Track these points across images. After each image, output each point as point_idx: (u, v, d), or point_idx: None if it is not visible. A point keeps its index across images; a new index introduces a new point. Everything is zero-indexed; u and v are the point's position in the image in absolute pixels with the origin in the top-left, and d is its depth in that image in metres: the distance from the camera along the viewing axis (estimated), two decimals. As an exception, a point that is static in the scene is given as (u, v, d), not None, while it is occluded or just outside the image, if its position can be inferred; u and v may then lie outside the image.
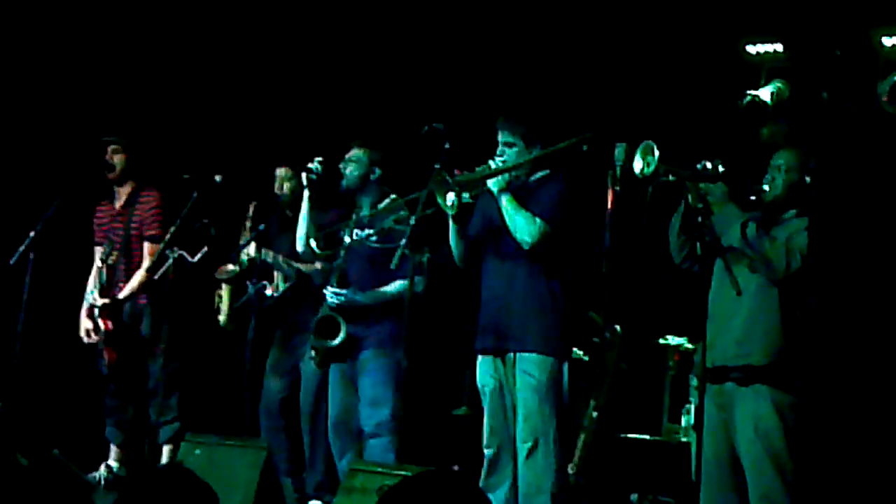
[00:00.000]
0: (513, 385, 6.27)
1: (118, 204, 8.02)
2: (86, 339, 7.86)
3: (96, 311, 7.75)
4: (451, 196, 6.12)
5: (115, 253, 7.71)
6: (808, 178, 5.83)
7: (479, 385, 6.44)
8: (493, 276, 6.41)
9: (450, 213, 6.16)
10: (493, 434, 6.37)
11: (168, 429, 7.68)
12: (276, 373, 7.73)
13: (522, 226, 6.23)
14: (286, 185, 7.77)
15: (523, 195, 6.33)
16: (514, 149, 6.41)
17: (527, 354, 6.24)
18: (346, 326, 6.92)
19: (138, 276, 7.76)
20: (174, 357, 7.58)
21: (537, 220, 6.23)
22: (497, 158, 6.36)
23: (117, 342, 7.72)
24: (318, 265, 7.39)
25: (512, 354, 6.27)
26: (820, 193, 5.72)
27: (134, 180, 7.99)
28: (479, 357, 6.42)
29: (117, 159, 7.96)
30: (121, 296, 7.75)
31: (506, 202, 6.25)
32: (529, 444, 6.19)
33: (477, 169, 6.33)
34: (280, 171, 7.82)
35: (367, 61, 9.32)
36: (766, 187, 5.84)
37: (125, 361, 7.74)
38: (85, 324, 7.87)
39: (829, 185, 5.69)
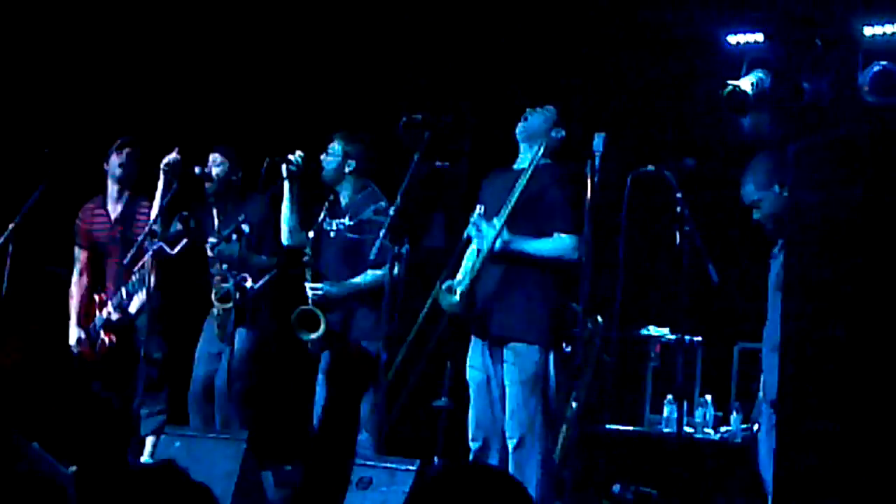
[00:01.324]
0: (501, 376, 6.29)
1: (114, 213, 7.96)
2: (76, 349, 7.84)
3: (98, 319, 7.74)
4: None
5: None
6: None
7: (467, 378, 6.47)
8: (486, 264, 6.41)
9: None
10: (478, 427, 6.43)
11: (153, 420, 7.64)
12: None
13: (556, 251, 6.29)
14: (215, 171, 7.69)
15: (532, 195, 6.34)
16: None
17: (515, 344, 6.28)
18: (326, 319, 6.93)
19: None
20: (163, 349, 7.56)
21: (562, 237, 6.32)
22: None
23: (117, 329, 7.71)
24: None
25: (499, 344, 6.30)
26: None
27: (133, 186, 7.95)
28: (470, 345, 6.47)
29: (135, 162, 7.92)
30: (132, 309, 7.70)
31: (523, 245, 6.28)
32: (515, 441, 6.25)
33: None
34: (213, 155, 7.74)
35: (348, 52, 9.30)
36: None
37: (119, 350, 7.72)
38: (74, 333, 7.86)
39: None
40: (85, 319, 7.90)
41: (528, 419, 6.25)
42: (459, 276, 6.49)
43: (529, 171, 6.37)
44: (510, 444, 6.28)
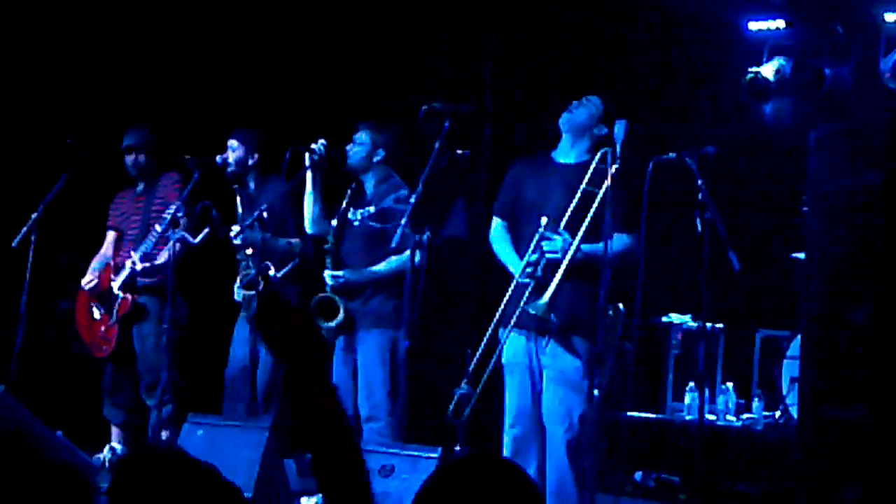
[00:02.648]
0: (546, 364, 6.31)
1: (139, 188, 8.04)
2: (87, 286, 7.86)
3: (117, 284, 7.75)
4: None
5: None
6: None
7: (504, 362, 6.46)
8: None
9: None
10: (520, 414, 6.42)
11: (163, 410, 7.66)
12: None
13: (624, 252, 6.32)
14: (232, 156, 7.71)
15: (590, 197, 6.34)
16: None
17: (571, 336, 6.32)
18: (344, 306, 6.95)
19: (164, 257, 7.68)
20: (175, 339, 7.55)
21: (624, 238, 6.32)
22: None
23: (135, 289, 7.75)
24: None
25: (542, 333, 6.33)
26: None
27: (156, 168, 8.00)
28: (510, 335, 6.39)
29: (142, 160, 7.95)
30: (159, 260, 7.69)
31: (597, 252, 6.22)
32: (566, 426, 6.27)
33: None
34: (230, 141, 7.77)
35: (368, 40, 9.32)
36: None
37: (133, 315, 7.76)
38: (90, 275, 7.90)
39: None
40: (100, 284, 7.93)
41: (578, 407, 6.28)
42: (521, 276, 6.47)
43: (588, 183, 6.37)
44: (558, 431, 6.28)
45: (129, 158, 7.98)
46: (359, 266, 7.08)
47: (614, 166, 6.02)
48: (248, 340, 7.47)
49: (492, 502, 2.78)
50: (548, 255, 6.29)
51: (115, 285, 7.76)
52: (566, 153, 6.56)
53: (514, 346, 6.43)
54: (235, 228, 7.40)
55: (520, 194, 6.60)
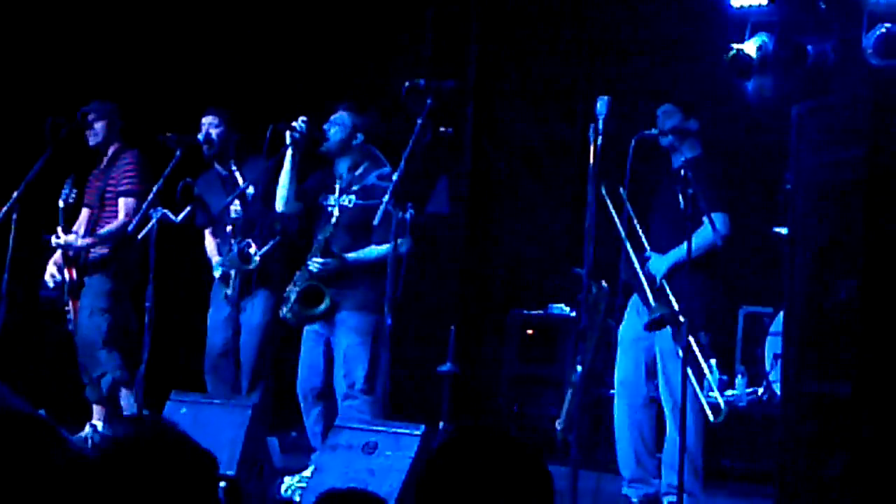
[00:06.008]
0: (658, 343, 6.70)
1: (102, 166, 8.02)
2: (50, 284, 7.85)
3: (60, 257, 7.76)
4: None
5: (74, 192, 7.71)
6: None
7: (620, 337, 6.94)
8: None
9: None
10: (621, 384, 6.96)
11: (105, 381, 7.69)
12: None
13: (708, 239, 6.53)
14: (214, 132, 7.66)
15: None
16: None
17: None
18: (329, 294, 6.93)
19: (107, 228, 7.74)
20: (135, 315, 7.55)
21: (719, 216, 6.54)
22: None
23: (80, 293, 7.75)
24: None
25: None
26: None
27: (118, 143, 7.97)
28: (627, 310, 6.92)
29: (98, 126, 7.93)
30: (78, 243, 7.73)
31: (683, 255, 6.32)
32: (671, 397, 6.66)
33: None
34: (207, 118, 7.72)
35: (348, 18, 9.30)
36: None
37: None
38: (50, 269, 7.87)
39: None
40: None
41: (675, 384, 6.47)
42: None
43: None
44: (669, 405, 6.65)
45: (89, 132, 7.96)
46: (345, 248, 7.02)
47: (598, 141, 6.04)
48: (228, 323, 7.44)
49: (494, 475, 2.78)
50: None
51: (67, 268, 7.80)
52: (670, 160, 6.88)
53: (629, 322, 6.86)
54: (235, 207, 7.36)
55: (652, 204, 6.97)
